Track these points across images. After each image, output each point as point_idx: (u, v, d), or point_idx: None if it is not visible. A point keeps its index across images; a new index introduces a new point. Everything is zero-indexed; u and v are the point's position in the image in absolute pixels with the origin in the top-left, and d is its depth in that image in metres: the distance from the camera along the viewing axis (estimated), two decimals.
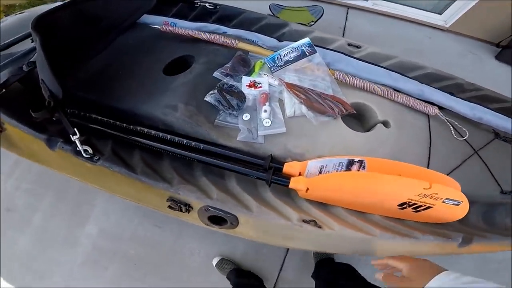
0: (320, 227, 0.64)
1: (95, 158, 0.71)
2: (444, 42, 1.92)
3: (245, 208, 0.66)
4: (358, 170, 0.68)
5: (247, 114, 0.76)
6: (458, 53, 1.86)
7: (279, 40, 0.91)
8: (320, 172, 0.69)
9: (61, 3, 0.88)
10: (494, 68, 1.77)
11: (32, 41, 0.89)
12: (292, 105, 0.77)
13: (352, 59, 0.85)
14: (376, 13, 2.06)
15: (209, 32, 0.91)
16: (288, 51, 0.81)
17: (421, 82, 0.85)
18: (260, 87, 0.81)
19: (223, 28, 0.97)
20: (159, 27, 0.96)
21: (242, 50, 0.89)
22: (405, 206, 0.62)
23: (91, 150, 0.71)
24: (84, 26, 0.94)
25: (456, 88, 0.90)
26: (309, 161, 0.69)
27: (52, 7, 0.83)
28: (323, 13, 1.44)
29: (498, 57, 1.80)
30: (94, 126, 0.78)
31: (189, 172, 0.74)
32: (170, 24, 1.04)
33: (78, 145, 0.69)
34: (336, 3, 2.06)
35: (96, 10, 0.95)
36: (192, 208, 0.71)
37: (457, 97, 0.82)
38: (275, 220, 0.65)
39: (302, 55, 0.81)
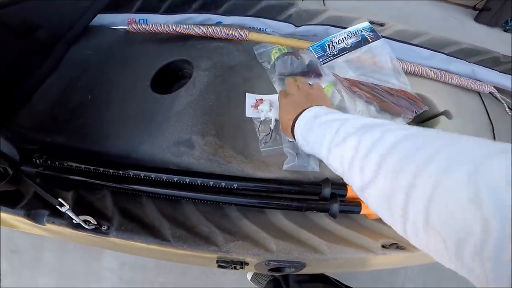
0: (403, 248, 0.53)
1: (103, 228, 0.51)
2: (424, 8, 1.88)
3: (314, 251, 0.51)
4: None
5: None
6: (440, 17, 1.83)
7: (296, 25, 0.70)
8: None
9: None
10: (476, 30, 1.79)
11: None
12: (357, 108, 0.58)
13: (393, 41, 0.68)
14: None
15: (201, 25, 0.66)
16: (343, 37, 0.61)
17: (460, 58, 0.74)
18: None
19: (214, 17, 0.72)
20: (124, 27, 0.68)
21: (255, 43, 0.66)
22: None
23: (94, 220, 0.50)
24: (14, 40, 0.65)
25: (492, 62, 0.81)
26: None
27: None
28: None
29: (477, 19, 1.81)
30: (80, 178, 0.56)
31: (227, 219, 0.56)
32: (138, 21, 0.76)
33: (73, 217, 0.48)
34: None
35: (25, 15, 0.66)
36: (247, 264, 0.55)
37: (508, 74, 0.72)
38: (353, 255, 0.52)
39: (364, 42, 0.61)
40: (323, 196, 0.52)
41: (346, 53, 0.62)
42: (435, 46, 0.79)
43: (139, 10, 0.82)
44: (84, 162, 0.57)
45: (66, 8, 0.70)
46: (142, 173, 0.54)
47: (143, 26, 0.64)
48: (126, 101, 0.61)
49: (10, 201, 0.54)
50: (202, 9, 0.82)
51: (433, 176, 0.19)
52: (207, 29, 0.62)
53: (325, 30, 0.69)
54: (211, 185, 0.54)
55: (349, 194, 0.53)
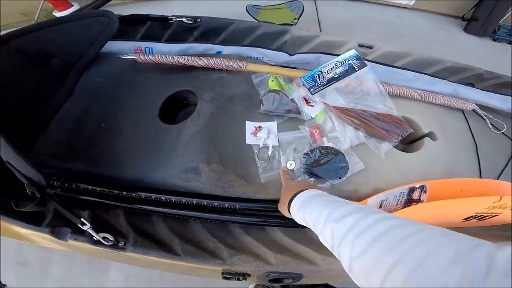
0: None
1: (120, 244, 0.57)
2: (414, 20, 1.95)
3: (309, 264, 0.57)
4: (420, 196, 0.62)
5: (291, 162, 0.63)
6: (430, 30, 1.90)
7: (289, 54, 0.76)
8: (380, 207, 0.61)
9: None
10: (465, 41, 1.84)
11: None
12: (346, 134, 0.64)
13: (379, 65, 0.74)
14: None
15: (202, 56, 0.72)
16: (332, 67, 0.67)
17: (443, 78, 0.79)
18: None
19: (215, 47, 0.78)
20: (133, 57, 0.74)
21: (253, 73, 0.72)
22: (470, 218, 0.59)
23: (112, 237, 0.57)
24: (28, 69, 0.70)
25: (476, 79, 0.87)
26: (369, 199, 0.59)
27: None
28: (303, 8, 1.31)
29: (466, 30, 1.87)
30: (96, 200, 0.63)
31: (231, 235, 0.62)
32: (144, 50, 0.83)
33: (94, 234, 0.56)
34: None
35: (40, 45, 0.73)
36: (250, 275, 0.61)
37: (490, 91, 0.77)
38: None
39: (351, 70, 0.67)
40: None
41: (334, 82, 0.68)
42: (421, 65, 0.86)
43: (144, 37, 0.89)
44: (99, 185, 0.63)
45: (78, 36, 0.76)
46: (153, 195, 0.61)
47: (149, 57, 0.70)
48: (136, 130, 0.67)
49: (34, 220, 0.61)
50: (202, 38, 0.89)
51: (414, 260, 0.23)
52: (209, 60, 0.68)
53: (316, 58, 0.75)
54: (215, 206, 0.60)
55: None
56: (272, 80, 0.75)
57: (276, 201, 0.60)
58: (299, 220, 0.46)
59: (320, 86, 0.68)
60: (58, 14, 2.14)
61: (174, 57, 0.69)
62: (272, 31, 0.87)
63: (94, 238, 0.56)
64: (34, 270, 1.31)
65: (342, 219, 0.34)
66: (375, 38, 1.67)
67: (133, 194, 0.62)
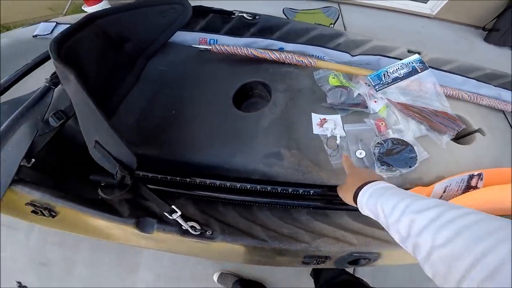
0: None
1: (207, 233, 0.60)
2: (437, 30, 2.12)
3: (389, 244, 0.63)
4: (477, 183, 0.71)
5: (361, 151, 0.72)
6: (452, 39, 2.07)
7: (351, 54, 0.86)
8: (444, 192, 0.70)
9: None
10: (485, 51, 2.02)
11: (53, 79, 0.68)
12: (410, 127, 0.73)
13: (431, 69, 0.85)
14: (366, 6, 2.16)
15: (269, 50, 0.81)
16: (397, 68, 0.77)
17: (487, 83, 0.91)
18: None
19: (278, 43, 0.88)
20: (206, 47, 0.82)
21: (316, 69, 0.82)
22: None
23: (199, 225, 0.60)
24: (108, 51, 0.77)
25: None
26: (436, 184, 0.68)
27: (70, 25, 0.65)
28: (339, 14, 1.44)
29: (487, 40, 2.05)
30: (166, 189, 0.68)
31: (298, 222, 0.68)
32: (209, 41, 0.92)
33: (182, 223, 0.58)
34: (327, 0, 2.10)
35: (119, 28, 0.79)
36: (330, 258, 0.67)
37: None
38: None
39: (414, 72, 0.78)
40: None
41: (398, 82, 0.78)
42: (464, 71, 0.97)
43: (203, 29, 0.98)
44: (169, 172, 0.68)
45: (152, 22, 0.82)
46: (228, 183, 0.67)
47: (224, 47, 0.78)
48: (211, 117, 0.74)
49: (112, 211, 0.61)
50: (259, 34, 0.98)
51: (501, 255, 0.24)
52: (281, 55, 0.77)
53: (377, 60, 0.86)
54: (289, 192, 0.67)
55: None
56: (333, 77, 0.85)
57: None
58: (366, 208, 0.48)
59: (384, 84, 0.78)
60: (87, 8, 2.23)
61: (248, 49, 0.77)
62: (327, 33, 0.97)
63: (183, 227, 0.58)
64: (56, 270, 1.33)
65: (423, 211, 0.35)
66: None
67: (207, 181, 0.67)
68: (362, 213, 0.50)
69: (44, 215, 0.62)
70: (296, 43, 0.88)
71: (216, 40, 0.91)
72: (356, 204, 0.51)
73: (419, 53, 0.98)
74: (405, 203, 0.39)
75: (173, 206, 0.57)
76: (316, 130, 0.75)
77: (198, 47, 0.86)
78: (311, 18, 1.46)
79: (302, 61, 0.78)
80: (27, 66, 0.76)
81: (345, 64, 0.84)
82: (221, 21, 0.99)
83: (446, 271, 0.29)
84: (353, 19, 2.04)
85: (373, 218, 0.47)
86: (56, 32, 1.04)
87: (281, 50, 0.88)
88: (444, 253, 0.30)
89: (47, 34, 1.01)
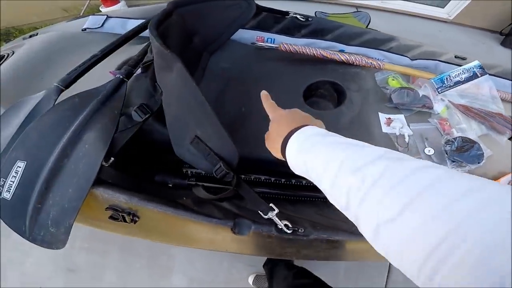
0: None
1: (300, 231, 0.61)
2: (454, 34, 2.29)
3: None
4: None
5: (430, 149, 0.80)
6: (470, 43, 2.24)
7: (411, 58, 0.95)
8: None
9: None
10: (502, 54, 2.20)
11: (127, 70, 0.69)
12: (471, 126, 0.83)
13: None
14: (384, 10, 2.30)
15: (337, 51, 0.89)
16: (459, 72, 0.86)
17: None
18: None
19: (338, 45, 0.96)
20: (272, 45, 0.88)
21: (382, 71, 0.90)
22: None
23: (290, 223, 0.61)
24: (184, 42, 0.81)
25: None
26: (502, 179, 0.78)
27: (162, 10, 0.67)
28: (370, 18, 1.54)
29: (504, 44, 2.23)
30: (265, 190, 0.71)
31: None
32: (266, 40, 0.98)
33: (278, 222, 0.59)
34: (345, 4, 2.23)
35: (193, 19, 0.81)
36: None
37: None
38: None
39: (474, 76, 0.87)
40: None
41: (459, 85, 0.87)
42: (506, 75, 1.08)
43: (253, 27, 1.04)
44: (246, 171, 0.70)
45: (219, 17, 0.85)
46: (304, 181, 0.71)
47: (294, 47, 0.85)
48: None
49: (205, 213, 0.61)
50: (311, 35, 1.05)
51: (480, 226, 0.17)
52: (350, 56, 0.85)
53: (435, 64, 0.95)
54: None
55: None
56: (393, 79, 0.93)
57: None
58: (296, 168, 0.39)
59: (446, 87, 0.87)
60: (104, 9, 2.25)
61: (318, 49, 0.84)
62: (380, 38, 1.05)
63: (278, 226, 0.59)
64: (85, 277, 1.34)
65: (363, 168, 0.27)
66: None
67: (283, 180, 0.71)
68: (294, 172, 0.42)
69: (125, 220, 0.61)
70: (357, 46, 0.96)
71: (274, 39, 0.97)
72: (285, 158, 0.42)
73: (464, 59, 1.09)
74: (341, 157, 0.31)
75: (271, 204, 0.58)
76: (385, 128, 0.83)
77: (256, 45, 0.92)
78: (342, 21, 1.54)
79: (371, 63, 0.85)
80: (95, 56, 0.77)
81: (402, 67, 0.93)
82: (272, 21, 1.05)
83: (398, 257, 0.22)
84: (371, 24, 2.16)
85: (308, 178, 0.38)
86: (107, 26, 1.07)
87: (342, 51, 0.96)
88: (394, 230, 0.22)
89: (98, 27, 1.04)
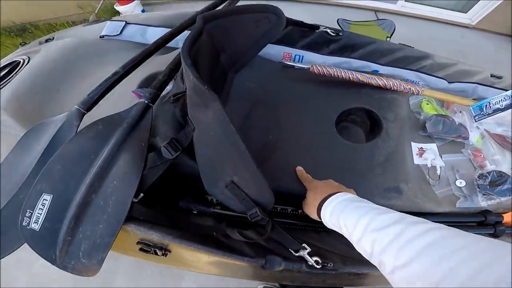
0: None
1: (329, 265, 0.60)
2: (476, 40, 2.20)
3: None
4: None
5: (461, 181, 0.76)
6: (493, 50, 2.15)
7: (448, 81, 0.89)
8: None
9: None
10: None
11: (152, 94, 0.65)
12: (506, 158, 0.80)
13: None
14: (403, 15, 2.21)
15: (375, 75, 0.83)
16: (500, 99, 0.80)
17: None
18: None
19: (372, 66, 0.90)
20: (304, 66, 0.82)
21: (411, 95, 0.84)
22: None
23: (320, 259, 0.60)
24: (212, 63, 0.73)
25: None
26: None
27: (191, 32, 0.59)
28: (395, 27, 1.47)
29: None
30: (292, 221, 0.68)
31: None
32: (294, 57, 0.92)
33: (309, 259, 0.58)
34: (364, 7, 2.13)
35: (221, 35, 0.72)
36: None
37: None
38: None
39: None
40: (487, 222, 0.73)
41: (498, 113, 0.82)
42: None
43: (278, 41, 0.97)
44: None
45: (247, 31, 0.77)
46: None
47: (327, 69, 0.79)
48: (315, 146, 0.74)
49: (235, 250, 0.59)
50: (338, 52, 0.99)
51: (468, 271, 0.25)
52: (388, 81, 0.79)
53: (473, 88, 0.89)
54: None
55: (505, 220, 0.75)
56: (427, 103, 0.87)
57: (452, 214, 0.73)
58: (330, 224, 0.48)
59: (484, 115, 0.82)
60: (119, 8, 2.17)
61: (354, 73, 0.78)
62: (413, 55, 0.98)
63: (308, 263, 0.58)
64: (94, 282, 1.30)
65: (385, 229, 0.36)
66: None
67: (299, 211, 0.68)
68: (328, 227, 0.50)
69: (156, 254, 0.60)
70: (391, 67, 0.90)
71: (302, 56, 0.91)
72: (321, 219, 0.52)
73: (499, 77, 1.03)
74: (367, 219, 0.40)
75: (304, 244, 0.58)
76: (417, 160, 0.78)
77: (284, 63, 0.86)
78: (365, 30, 1.47)
79: (410, 89, 0.80)
80: (117, 74, 0.71)
81: (442, 91, 0.87)
82: (299, 35, 0.99)
83: None
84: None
85: (339, 232, 0.48)
86: (126, 33, 1.01)
87: (375, 72, 0.90)
88: (405, 273, 0.31)
89: (116, 35, 0.98)
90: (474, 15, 2.21)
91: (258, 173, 0.49)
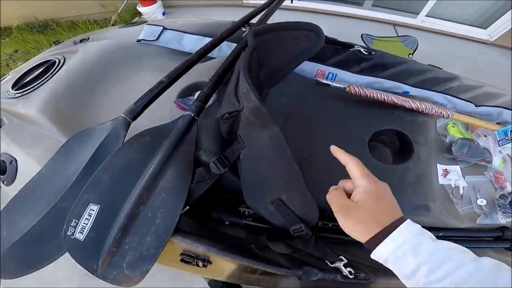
0: None
1: (361, 275, 0.61)
2: (494, 57, 2.20)
3: None
4: None
5: (482, 200, 0.80)
6: (510, 67, 2.14)
7: (476, 105, 0.91)
8: None
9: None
10: None
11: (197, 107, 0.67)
12: None
13: None
14: (423, 30, 2.21)
15: (409, 98, 0.84)
16: None
17: None
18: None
19: (403, 87, 0.91)
20: (339, 86, 0.84)
21: (453, 120, 0.86)
22: None
23: (352, 269, 0.62)
24: (257, 79, 0.75)
25: None
26: None
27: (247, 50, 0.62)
28: (418, 43, 1.48)
29: None
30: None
31: None
32: (327, 75, 0.94)
33: (343, 270, 0.59)
34: (383, 21, 2.14)
35: (264, 51, 0.74)
36: None
37: None
38: None
39: None
40: (504, 237, 0.76)
41: None
42: None
43: (313, 58, 0.98)
44: None
45: (286, 48, 0.78)
46: None
47: (363, 90, 0.81)
48: None
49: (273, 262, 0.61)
50: (369, 71, 1.00)
51: None
52: (421, 104, 0.81)
53: (498, 112, 0.91)
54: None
55: None
56: (452, 126, 0.89)
57: (472, 229, 0.76)
58: (392, 259, 0.39)
59: (508, 140, 0.84)
60: (142, 9, 2.19)
61: (389, 95, 0.80)
62: (442, 77, 1.00)
63: (343, 273, 0.59)
64: (103, 283, 1.32)
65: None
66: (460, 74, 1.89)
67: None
68: (376, 259, 0.42)
69: (198, 265, 0.61)
70: (421, 88, 0.91)
71: (336, 74, 0.93)
72: (368, 245, 0.41)
73: None
74: (466, 270, 0.34)
75: (341, 256, 0.60)
76: (441, 180, 0.81)
77: (320, 81, 0.88)
78: (388, 46, 1.49)
79: (441, 112, 0.81)
80: (162, 83, 0.72)
81: (468, 114, 0.88)
82: (331, 52, 1.00)
83: None
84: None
85: (395, 271, 0.40)
86: (163, 39, 1.02)
87: (406, 93, 0.91)
88: None
89: (153, 40, 0.99)
90: (493, 31, 2.21)
91: (308, 194, 0.52)
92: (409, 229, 0.40)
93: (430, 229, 0.68)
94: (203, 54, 0.82)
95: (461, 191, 0.80)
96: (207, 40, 0.98)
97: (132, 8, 2.30)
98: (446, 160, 0.84)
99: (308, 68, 0.93)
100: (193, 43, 0.99)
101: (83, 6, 2.23)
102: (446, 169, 0.83)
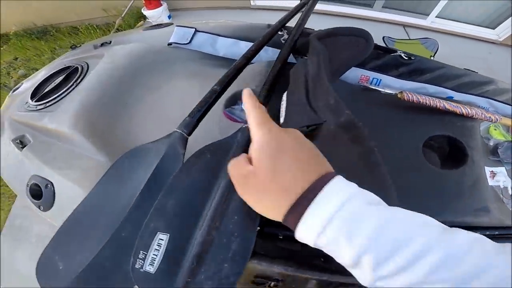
0: None
1: None
2: (504, 56, 2.24)
3: None
4: None
5: None
6: None
7: None
8: None
9: None
10: None
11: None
12: None
13: None
14: (433, 31, 2.23)
15: (460, 104, 0.83)
16: None
17: None
18: None
19: (448, 92, 0.90)
20: (391, 92, 0.82)
21: (494, 123, 0.85)
22: None
23: None
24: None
25: None
26: None
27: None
28: (438, 46, 1.48)
29: None
30: None
31: None
32: (371, 81, 0.91)
33: None
34: (394, 22, 2.15)
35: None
36: None
37: None
38: None
39: None
40: None
41: None
42: None
43: None
44: None
45: (333, 54, 0.73)
46: None
47: (417, 97, 0.79)
48: (403, 172, 0.74)
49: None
50: (408, 75, 0.99)
51: None
52: (471, 110, 0.80)
53: None
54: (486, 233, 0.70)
55: None
56: (494, 129, 0.90)
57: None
58: (324, 238, 0.27)
59: None
60: (147, 12, 2.10)
61: (442, 101, 0.79)
62: (478, 80, 0.99)
63: None
64: None
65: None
66: None
67: None
68: (301, 240, 0.31)
69: (270, 286, 0.59)
70: (466, 93, 0.91)
71: (380, 80, 0.91)
72: (288, 225, 0.30)
73: None
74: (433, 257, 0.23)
75: None
76: (491, 182, 0.82)
77: (367, 86, 0.86)
78: (409, 48, 1.49)
79: (490, 117, 0.81)
80: (215, 92, 0.67)
81: (508, 117, 0.89)
82: (371, 56, 0.98)
83: None
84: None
85: (331, 255, 0.28)
86: (196, 42, 0.97)
87: (450, 98, 0.90)
88: None
89: (185, 43, 0.94)
90: (502, 31, 2.25)
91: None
92: (336, 196, 0.27)
93: (488, 228, 0.70)
94: (249, 59, 0.77)
95: (509, 191, 0.82)
96: (242, 43, 0.95)
97: (136, 11, 2.21)
98: (492, 162, 0.85)
99: (352, 73, 0.91)
100: (228, 47, 0.94)
101: (84, 11, 2.13)
102: (492, 171, 0.84)
